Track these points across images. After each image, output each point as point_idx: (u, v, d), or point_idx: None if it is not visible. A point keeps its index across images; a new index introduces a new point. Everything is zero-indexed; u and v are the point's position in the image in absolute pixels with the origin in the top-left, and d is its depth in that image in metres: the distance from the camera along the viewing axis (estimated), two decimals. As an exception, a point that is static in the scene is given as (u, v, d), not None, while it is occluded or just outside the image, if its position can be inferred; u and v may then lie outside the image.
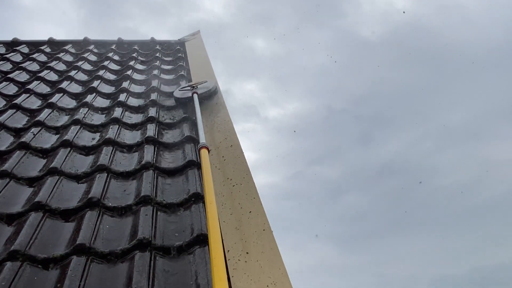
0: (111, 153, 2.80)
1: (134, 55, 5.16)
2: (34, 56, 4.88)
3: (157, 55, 5.19)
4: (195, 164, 2.66)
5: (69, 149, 2.84)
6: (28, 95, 3.72)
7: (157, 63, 4.84)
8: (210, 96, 3.63)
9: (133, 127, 3.29)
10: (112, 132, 3.06)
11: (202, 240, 1.99)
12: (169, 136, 3.15)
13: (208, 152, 2.59)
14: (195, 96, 3.51)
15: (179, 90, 3.76)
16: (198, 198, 2.32)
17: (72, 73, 4.36)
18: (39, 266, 1.87)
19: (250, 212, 2.14)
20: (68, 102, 3.70)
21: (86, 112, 3.42)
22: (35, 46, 5.30)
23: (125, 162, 2.78)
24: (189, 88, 3.72)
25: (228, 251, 1.93)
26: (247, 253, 1.89)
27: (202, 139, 2.76)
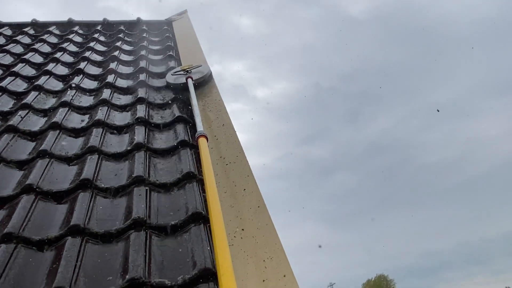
0: (102, 134, 2.76)
1: (120, 35, 5.07)
2: (17, 38, 4.75)
3: (144, 35, 5.10)
4: (187, 144, 2.65)
5: (58, 131, 2.80)
6: (13, 78, 3.64)
7: (145, 43, 4.75)
8: (204, 82, 3.47)
9: (122, 108, 3.25)
10: (101, 113, 3.02)
11: (197, 218, 2.00)
12: (160, 117, 3.12)
13: (207, 141, 2.45)
14: (190, 81, 3.34)
15: (172, 75, 3.58)
16: (191, 177, 2.31)
17: (58, 55, 4.27)
18: (34, 248, 1.86)
19: (244, 189, 2.15)
20: (55, 84, 3.62)
21: (74, 94, 3.36)
22: (18, 28, 5.16)
23: (116, 143, 2.75)
24: (182, 72, 3.54)
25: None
26: (243, 229, 1.90)
27: (200, 128, 2.59)
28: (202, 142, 2.41)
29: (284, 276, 1.62)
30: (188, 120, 2.99)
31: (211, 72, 3.58)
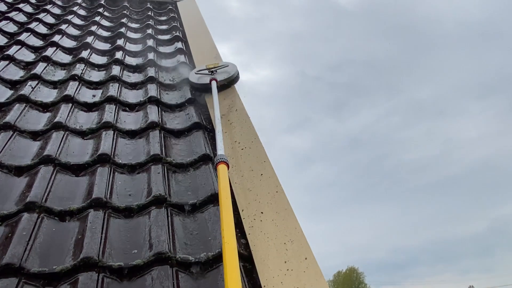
0: (115, 111, 2.77)
1: (125, 12, 5.01)
2: (19, 6, 4.64)
3: (149, 13, 5.05)
4: (201, 127, 2.68)
5: (70, 104, 2.79)
6: (19, 46, 3.58)
7: (151, 21, 4.72)
8: (230, 84, 3.09)
9: (133, 86, 3.25)
10: (113, 89, 3.02)
11: (215, 199, 2.05)
12: (171, 97, 3.14)
13: (228, 168, 2.02)
14: (214, 84, 2.95)
15: (195, 73, 3.20)
16: (207, 159, 2.36)
17: (63, 26, 4.21)
18: (56, 218, 1.89)
19: (261, 174, 2.20)
20: (63, 57, 3.59)
21: (84, 68, 3.34)
22: (19, -5, 5.03)
23: (130, 120, 2.76)
24: (206, 71, 3.17)
25: (243, 210, 2.00)
26: (262, 212, 1.96)
27: (221, 150, 2.13)
28: (222, 169, 1.96)
29: (306, 258, 1.69)
30: (199, 103, 3.02)
31: (237, 72, 3.16)
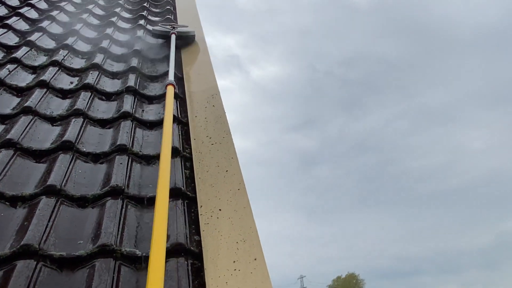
0: (89, 98, 2.72)
1: (120, 1, 4.96)
2: (14, -10, 4.61)
3: (145, 4, 5.01)
4: (175, 119, 2.62)
5: (45, 90, 2.74)
6: (5, 30, 3.55)
7: (144, 13, 4.67)
8: (187, 39, 3.71)
9: (114, 75, 3.20)
10: (91, 77, 2.96)
11: (176, 194, 1.99)
12: (151, 89, 3.08)
13: (174, 89, 2.74)
14: (173, 36, 3.60)
15: (159, 26, 3.88)
16: (175, 152, 2.30)
17: (54, 13, 4.17)
18: (7, 203, 1.83)
19: (226, 171, 2.14)
20: (48, 43, 3.54)
21: (66, 55, 3.29)
22: (15, -20, 5.00)
23: (103, 109, 2.71)
24: (169, 27, 3.80)
25: (201, 206, 1.94)
26: (220, 210, 1.90)
27: (171, 77, 2.87)
28: (169, 89, 2.67)
29: (255, 259, 1.62)
30: (178, 95, 2.96)
31: (194, 33, 3.77)
